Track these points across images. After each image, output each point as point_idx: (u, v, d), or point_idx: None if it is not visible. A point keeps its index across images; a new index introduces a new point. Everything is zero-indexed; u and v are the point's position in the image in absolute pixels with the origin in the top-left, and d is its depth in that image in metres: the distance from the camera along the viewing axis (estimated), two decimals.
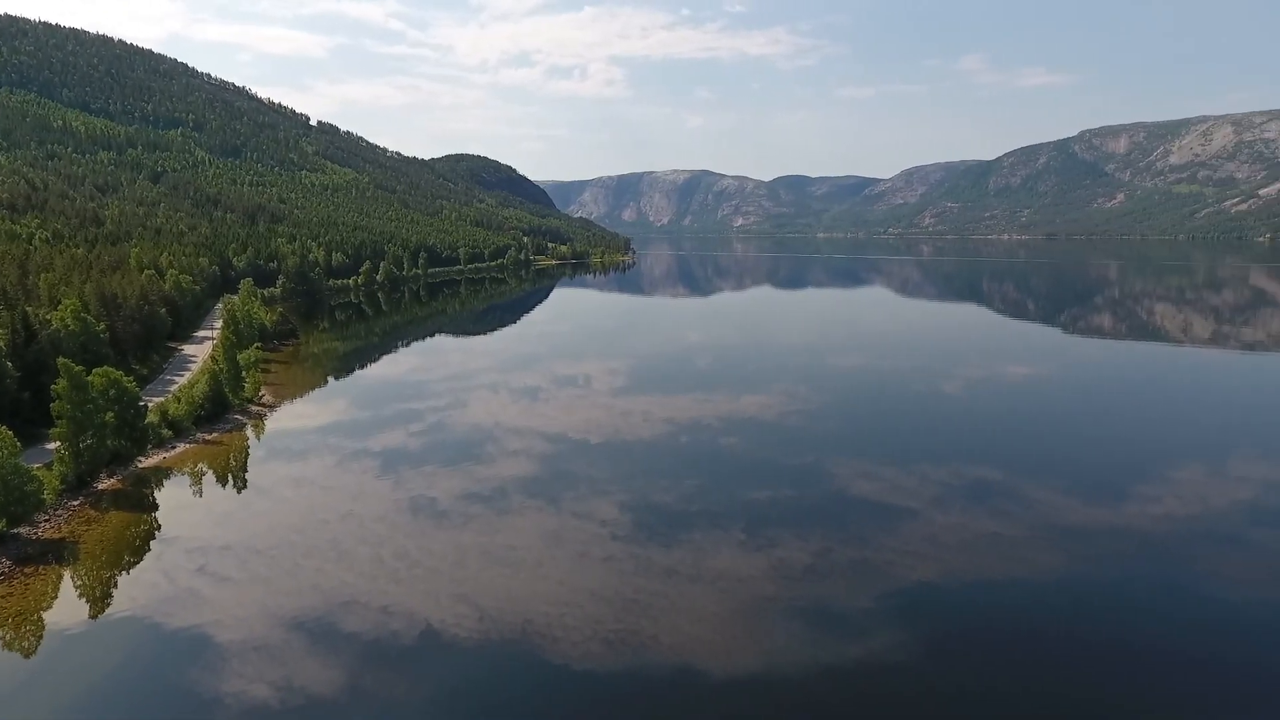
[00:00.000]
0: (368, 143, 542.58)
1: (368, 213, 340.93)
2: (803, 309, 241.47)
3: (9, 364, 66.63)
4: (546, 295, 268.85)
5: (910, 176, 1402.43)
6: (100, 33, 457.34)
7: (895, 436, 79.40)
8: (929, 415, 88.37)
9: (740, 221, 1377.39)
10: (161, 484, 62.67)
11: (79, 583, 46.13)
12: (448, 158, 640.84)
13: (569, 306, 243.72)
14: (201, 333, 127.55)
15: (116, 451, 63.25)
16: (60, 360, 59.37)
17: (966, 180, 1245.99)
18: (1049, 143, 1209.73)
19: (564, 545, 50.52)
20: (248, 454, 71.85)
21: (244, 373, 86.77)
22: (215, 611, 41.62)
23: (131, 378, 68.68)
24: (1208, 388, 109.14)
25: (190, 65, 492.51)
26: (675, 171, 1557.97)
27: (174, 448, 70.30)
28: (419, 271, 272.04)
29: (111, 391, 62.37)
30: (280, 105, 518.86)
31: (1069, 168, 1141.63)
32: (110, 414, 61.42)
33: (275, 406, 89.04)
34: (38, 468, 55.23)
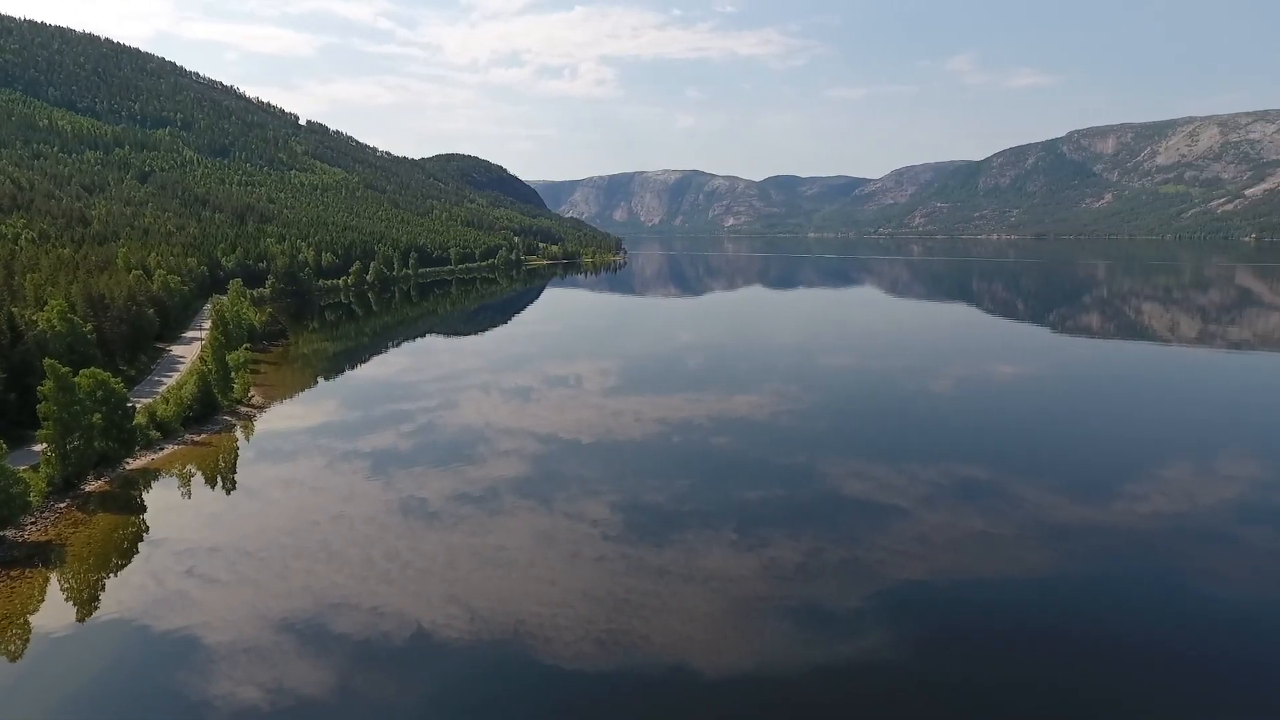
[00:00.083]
0: (357, 142, 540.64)
1: (357, 213, 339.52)
2: (793, 309, 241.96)
3: None
4: (538, 295, 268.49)
5: (900, 177, 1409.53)
6: (87, 31, 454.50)
7: (885, 436, 79.71)
8: (919, 414, 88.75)
9: (731, 221, 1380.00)
10: (149, 486, 62.23)
11: (66, 586, 45.76)
12: (438, 157, 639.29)
13: (560, 307, 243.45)
14: (190, 333, 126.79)
15: (104, 453, 62.77)
16: (47, 361, 58.82)
17: (956, 180, 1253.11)
18: (1037, 143, 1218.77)
19: (555, 545, 50.46)
20: (237, 455, 71.44)
21: (233, 374, 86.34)
22: (204, 614, 41.38)
23: (119, 379, 68.06)
24: (1195, 386, 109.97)
25: (178, 64, 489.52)
26: (666, 171, 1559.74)
27: (162, 449, 69.84)
28: (409, 272, 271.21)
29: (99, 393, 61.89)
30: (269, 104, 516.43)
31: (1057, 168, 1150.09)
32: (97, 415, 60.96)
33: (264, 407, 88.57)
34: (24, 470, 54.74)
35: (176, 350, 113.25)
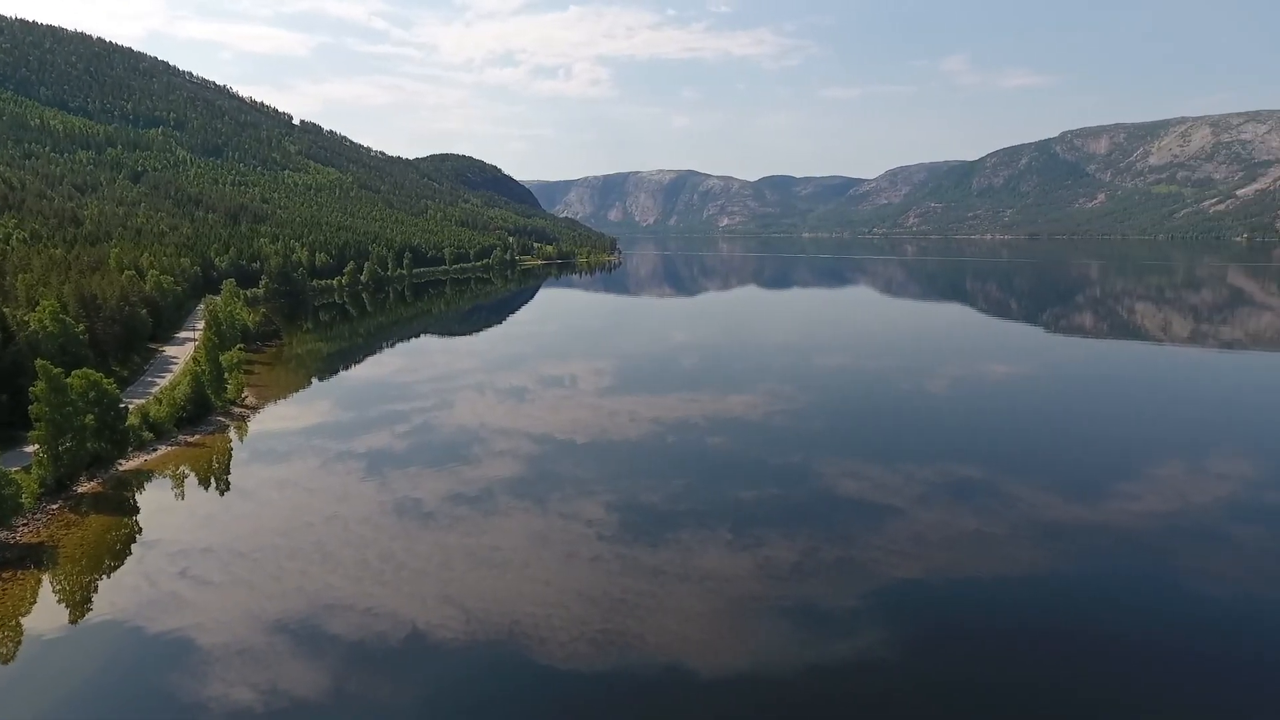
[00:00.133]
0: (351, 142, 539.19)
1: (352, 213, 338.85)
2: (788, 309, 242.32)
3: None
4: (532, 295, 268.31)
5: (894, 177, 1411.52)
6: (78, 30, 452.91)
7: (880, 435, 79.88)
8: (914, 414, 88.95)
9: (726, 221, 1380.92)
10: (143, 487, 61.97)
11: (58, 587, 45.51)
12: (432, 157, 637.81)
13: (555, 307, 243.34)
14: (183, 334, 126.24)
15: (96, 454, 62.44)
16: (39, 362, 58.56)
17: (950, 180, 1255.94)
18: (1031, 143, 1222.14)
19: (550, 546, 50.42)
20: (230, 456, 71.20)
21: (226, 374, 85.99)
22: (197, 615, 41.20)
23: (111, 379, 67.70)
24: (1187, 386, 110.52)
25: (170, 63, 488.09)
26: (661, 171, 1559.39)
27: (155, 450, 69.52)
28: (404, 272, 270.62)
29: (91, 393, 61.54)
30: (262, 104, 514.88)
31: (1051, 168, 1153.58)
32: (90, 416, 60.61)
33: (258, 408, 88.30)
34: (16, 471, 54.41)
35: (169, 351, 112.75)
